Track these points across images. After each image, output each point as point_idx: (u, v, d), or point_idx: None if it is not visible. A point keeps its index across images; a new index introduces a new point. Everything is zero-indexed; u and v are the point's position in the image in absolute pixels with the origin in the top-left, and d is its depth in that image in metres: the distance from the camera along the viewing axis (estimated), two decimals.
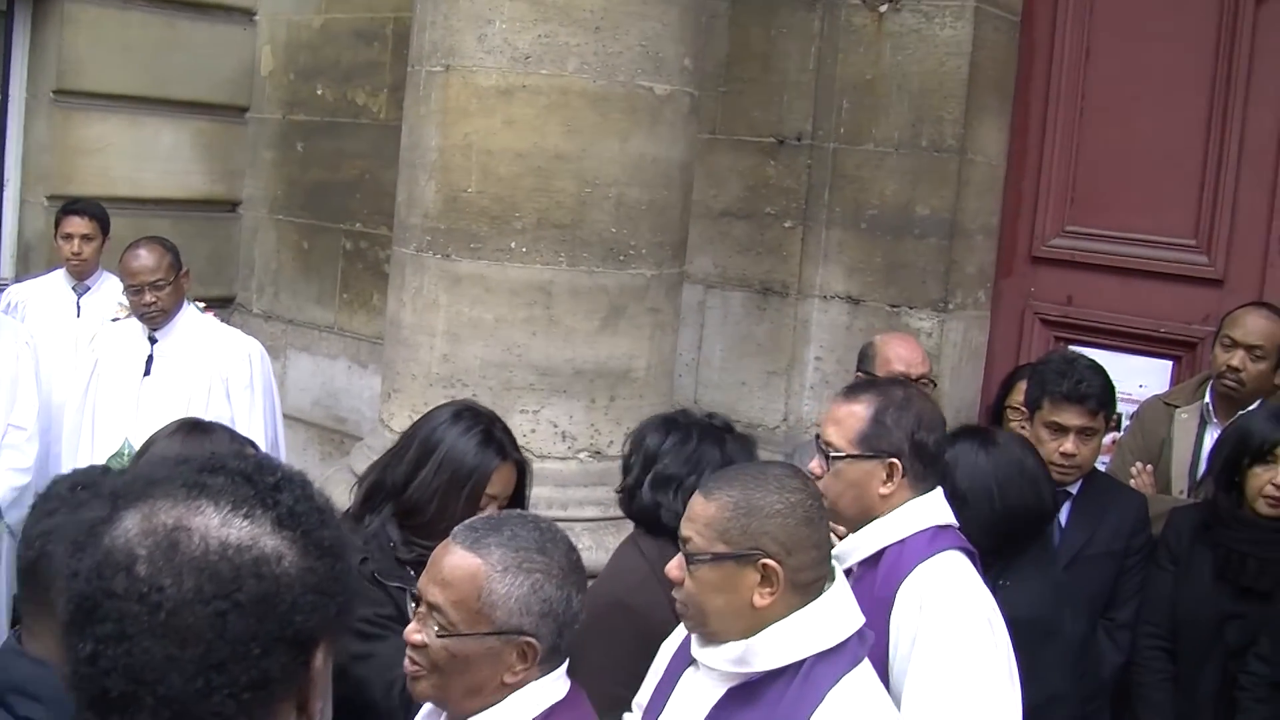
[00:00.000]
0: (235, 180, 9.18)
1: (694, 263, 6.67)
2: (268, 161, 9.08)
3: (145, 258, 6.13)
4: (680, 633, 3.23)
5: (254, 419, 6.22)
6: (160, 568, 1.55)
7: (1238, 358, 5.36)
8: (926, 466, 3.59)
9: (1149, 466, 5.52)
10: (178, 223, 8.25)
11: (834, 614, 2.95)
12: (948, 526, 3.58)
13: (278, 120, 9.01)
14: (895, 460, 3.53)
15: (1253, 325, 5.39)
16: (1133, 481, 5.43)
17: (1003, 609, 3.89)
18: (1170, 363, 6.39)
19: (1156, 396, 5.88)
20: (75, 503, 2.71)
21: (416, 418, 5.32)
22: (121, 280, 6.25)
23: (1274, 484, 4.59)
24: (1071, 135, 6.60)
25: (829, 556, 3.03)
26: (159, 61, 8.54)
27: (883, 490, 3.54)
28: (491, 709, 2.65)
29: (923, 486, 3.59)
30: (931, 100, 6.52)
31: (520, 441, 5.04)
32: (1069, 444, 4.82)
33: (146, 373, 6.22)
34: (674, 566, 2.98)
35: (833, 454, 3.58)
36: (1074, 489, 4.97)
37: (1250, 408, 5.37)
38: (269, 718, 1.61)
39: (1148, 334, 6.41)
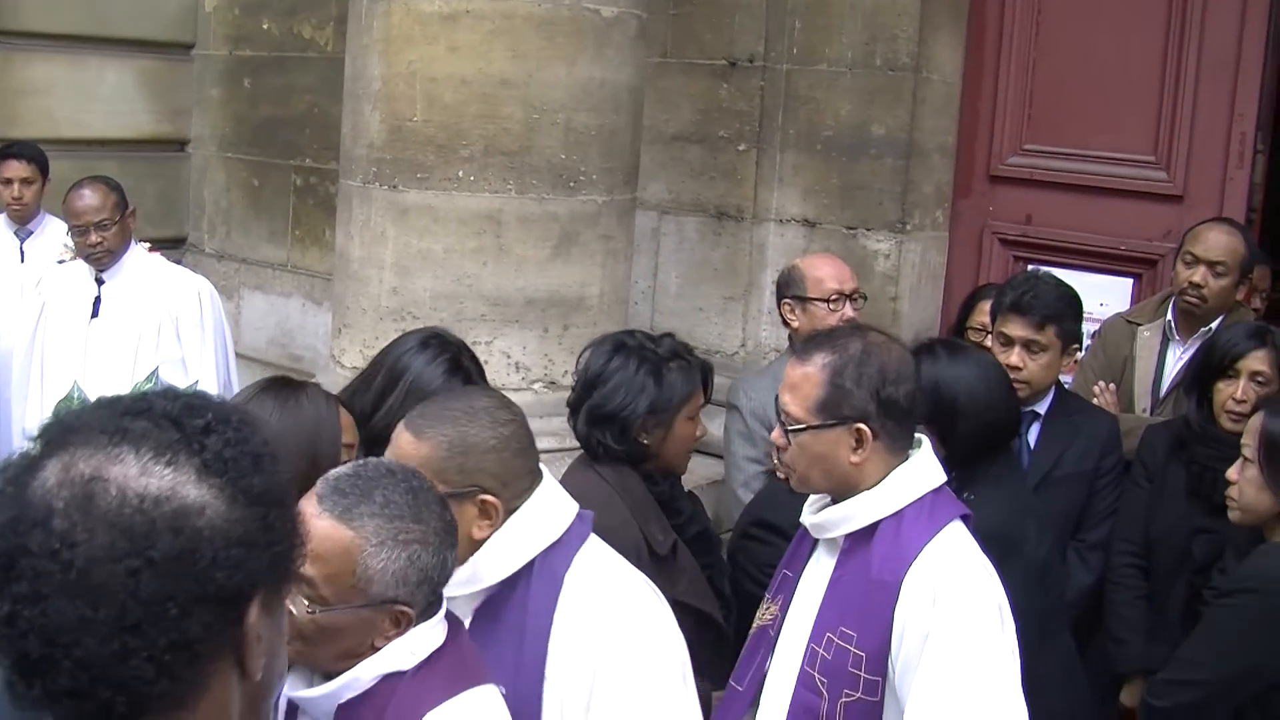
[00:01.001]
0: (183, 119, 9.04)
1: (648, 189, 6.60)
2: (215, 99, 8.95)
3: (89, 197, 6.05)
4: None
5: (205, 358, 6.16)
6: (75, 522, 1.46)
7: (1199, 274, 5.31)
8: (900, 422, 3.24)
9: (1112, 385, 5.49)
10: (125, 163, 8.13)
11: (546, 511, 3.02)
12: (942, 488, 3.29)
13: (224, 56, 8.88)
14: (862, 425, 3.19)
15: (1214, 241, 5.35)
16: (1095, 400, 5.39)
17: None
18: (1131, 280, 6.36)
19: (1118, 314, 5.85)
20: None
21: (368, 353, 5.28)
22: (66, 222, 6.16)
23: (1234, 398, 4.56)
24: (1028, 52, 6.53)
25: (537, 468, 3.05)
26: (100, 0, 8.38)
27: (854, 459, 3.20)
28: (366, 660, 2.56)
29: (900, 444, 3.26)
30: (885, 18, 6.44)
31: None
32: (1014, 356, 4.76)
33: (95, 314, 6.15)
34: None
35: (791, 427, 3.27)
36: (1042, 409, 4.94)
37: (1212, 324, 5.34)
38: (200, 678, 1.53)
39: (1108, 252, 6.37)
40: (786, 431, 3.27)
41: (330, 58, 7.96)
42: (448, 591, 2.80)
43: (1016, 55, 6.57)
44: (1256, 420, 3.85)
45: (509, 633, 2.91)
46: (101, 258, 6.08)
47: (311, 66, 8.29)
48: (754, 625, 3.49)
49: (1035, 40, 6.51)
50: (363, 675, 2.55)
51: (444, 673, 2.58)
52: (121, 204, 6.13)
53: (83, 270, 6.22)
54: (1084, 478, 4.90)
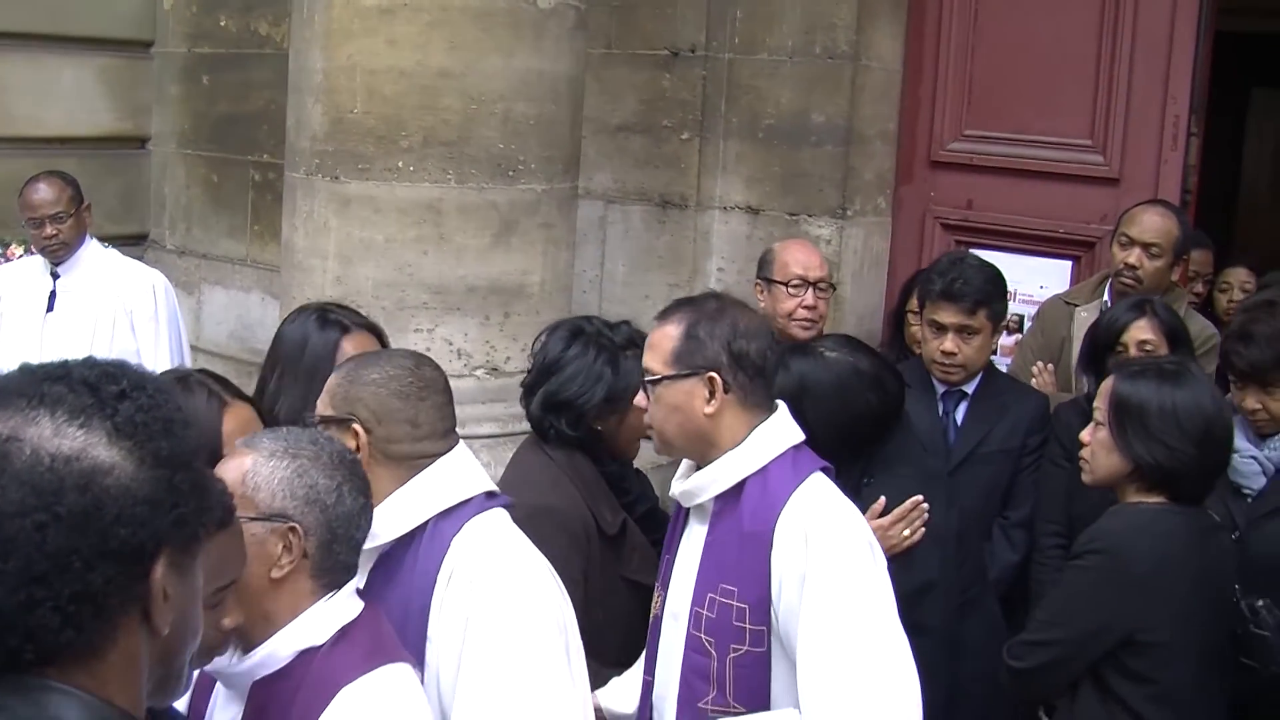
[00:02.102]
0: (142, 116, 9.06)
1: (593, 179, 6.69)
2: (174, 96, 8.97)
3: (45, 191, 6.12)
4: None
5: (159, 351, 6.22)
6: None
7: (1135, 255, 5.42)
8: (752, 378, 3.30)
9: (1050, 365, 5.58)
10: (85, 161, 8.15)
11: (450, 479, 3.12)
12: (801, 445, 3.36)
13: (182, 54, 8.90)
14: (714, 374, 3.26)
15: (1149, 223, 5.45)
16: (1034, 380, 5.49)
17: (866, 506, 3.92)
18: (1070, 263, 6.44)
19: (1057, 296, 5.95)
20: None
21: None
22: (21, 215, 6.21)
23: None
24: (967, 38, 6.62)
25: (441, 435, 3.15)
26: None
27: (707, 410, 3.27)
28: (279, 634, 2.58)
29: (754, 400, 3.32)
30: (824, 7, 6.53)
31: None
32: (948, 342, 4.87)
33: (50, 309, 6.20)
34: None
35: (648, 379, 3.37)
36: (970, 388, 5.03)
37: None
38: (107, 630, 1.61)
39: (1047, 235, 6.46)
40: (647, 390, 3.37)
41: (286, 54, 7.95)
42: None
43: (955, 42, 6.65)
44: (1107, 383, 3.93)
45: (399, 592, 2.98)
46: (57, 250, 6.15)
47: (268, 63, 8.31)
48: (650, 618, 3.55)
49: (974, 27, 6.59)
50: (279, 650, 2.57)
51: (359, 648, 2.59)
52: (77, 197, 6.20)
53: (37, 265, 6.28)
54: (1010, 455, 4.98)
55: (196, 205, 8.91)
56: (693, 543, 3.39)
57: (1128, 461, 3.80)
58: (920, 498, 4.02)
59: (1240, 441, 4.35)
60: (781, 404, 3.41)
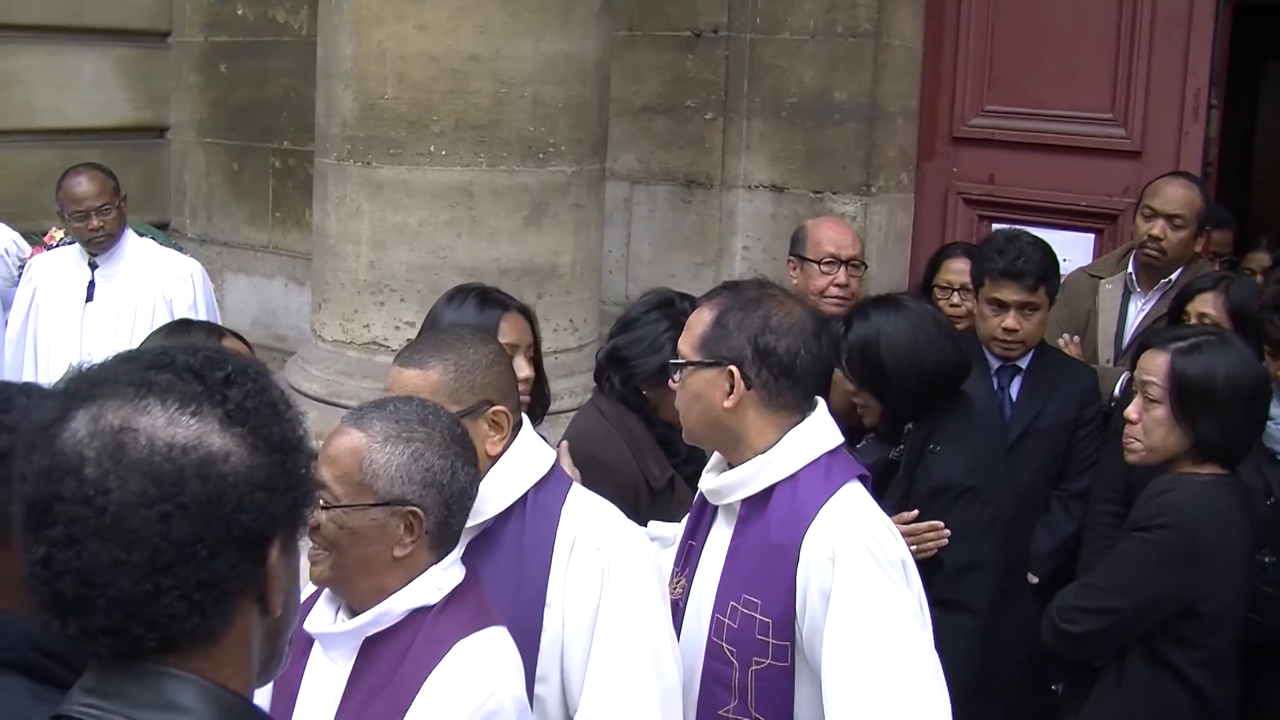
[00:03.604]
0: (161, 106, 9.11)
1: (618, 160, 6.72)
2: (193, 85, 9.02)
3: (88, 184, 6.15)
4: None
5: None
6: (107, 470, 1.54)
7: (1158, 227, 5.44)
8: (778, 376, 3.13)
9: (1076, 337, 5.61)
10: (106, 152, 8.17)
11: (535, 446, 3.16)
12: (838, 449, 3.20)
13: (200, 43, 8.95)
14: (734, 367, 3.11)
15: (1172, 194, 5.47)
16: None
17: (933, 472, 3.99)
18: (1093, 235, 6.47)
19: (1081, 269, 5.97)
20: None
21: (348, 325, 5.41)
22: (63, 208, 6.23)
23: None
24: (986, 14, 6.64)
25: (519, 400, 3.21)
26: None
27: (726, 403, 3.12)
28: (389, 599, 2.67)
29: (783, 401, 3.16)
30: None
31: None
32: (1010, 319, 4.91)
33: (89, 298, 6.24)
34: None
35: (673, 362, 3.28)
36: (1023, 363, 5.07)
37: (1172, 275, 5.47)
38: (226, 615, 1.62)
39: (1069, 208, 6.48)
40: (673, 373, 3.29)
41: (305, 41, 8.03)
42: None
43: (975, 18, 6.67)
44: (1161, 360, 3.85)
45: (505, 564, 3.00)
46: (102, 241, 6.19)
47: (286, 50, 8.37)
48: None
49: (994, 3, 6.61)
50: (393, 608, 2.67)
51: (467, 609, 2.70)
52: (117, 188, 6.25)
53: (73, 255, 6.32)
54: (1064, 429, 5.02)
55: (217, 193, 8.96)
56: (717, 544, 3.27)
57: (1189, 438, 3.79)
58: (941, 524, 4.01)
59: (1275, 408, 4.38)
60: (821, 403, 3.27)
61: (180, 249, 7.33)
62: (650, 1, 6.95)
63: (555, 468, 3.14)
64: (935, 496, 4.01)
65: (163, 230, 8.53)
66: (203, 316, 6.24)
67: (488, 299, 3.95)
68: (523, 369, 3.71)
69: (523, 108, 5.26)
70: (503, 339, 3.64)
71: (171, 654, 1.59)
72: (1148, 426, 3.86)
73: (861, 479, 3.22)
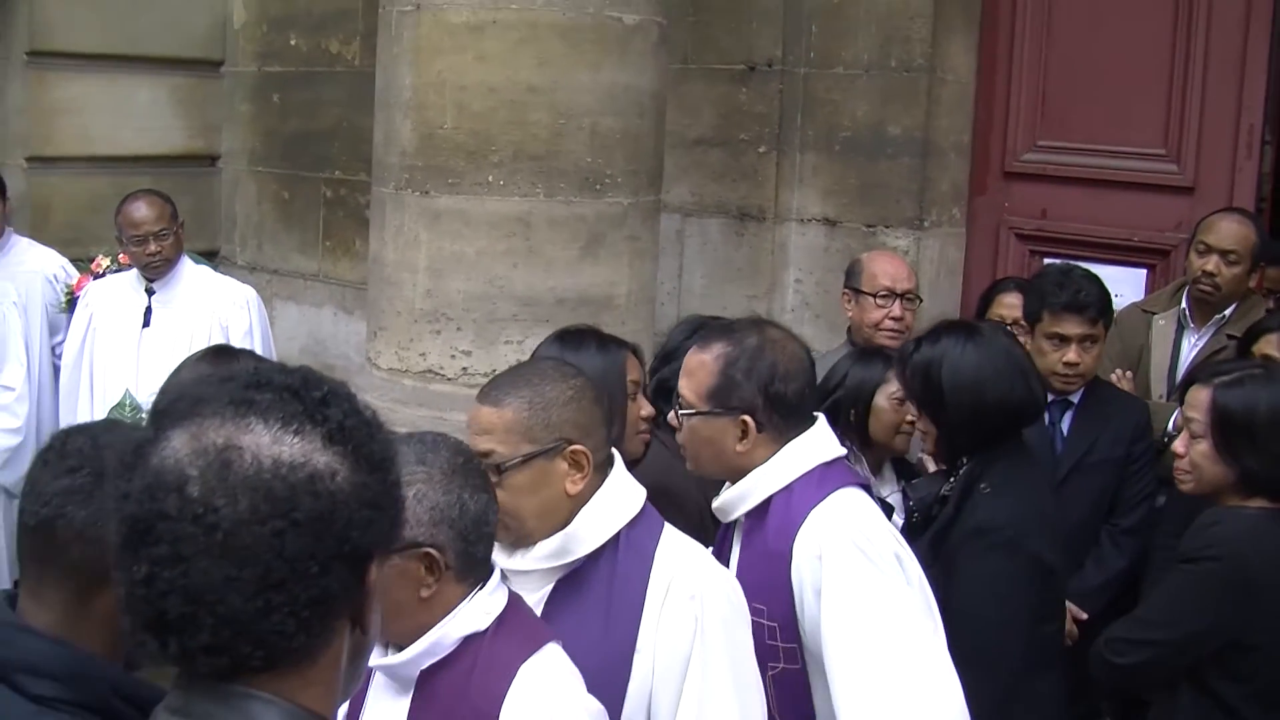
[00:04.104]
0: (213, 134, 9.18)
1: (671, 192, 6.74)
2: (245, 114, 9.09)
3: (146, 209, 6.22)
4: None
5: None
6: (213, 488, 1.54)
7: (1212, 263, 5.44)
8: (787, 418, 3.33)
9: (1129, 373, 5.61)
10: (158, 179, 8.19)
11: (628, 482, 3.08)
12: (835, 461, 3.38)
13: (253, 73, 9.02)
14: (747, 417, 3.31)
15: (1226, 230, 5.48)
16: None
17: (979, 511, 3.94)
18: (1145, 271, 6.47)
19: (1134, 304, 5.97)
20: (100, 463, 2.32)
21: (403, 354, 5.43)
22: (123, 233, 6.28)
23: None
24: (1039, 50, 6.66)
25: (611, 432, 3.11)
26: (131, 19, 8.50)
27: (739, 448, 3.32)
28: (441, 628, 2.64)
29: (788, 429, 3.34)
30: (899, 21, 6.59)
31: None
32: (1071, 353, 4.93)
33: (146, 324, 6.29)
34: None
35: (682, 410, 3.42)
36: (1075, 398, 5.08)
37: (1225, 311, 5.47)
38: (327, 634, 1.62)
39: (1121, 244, 6.49)
40: (679, 414, 3.41)
41: (357, 71, 8.10)
42: (530, 565, 2.94)
43: (1028, 54, 6.69)
44: (1204, 394, 3.89)
45: (594, 605, 2.95)
46: (160, 266, 6.24)
47: (339, 80, 8.43)
48: None
49: (1046, 38, 6.63)
50: (445, 638, 2.64)
51: (520, 630, 2.69)
52: (175, 214, 6.31)
53: (129, 281, 6.37)
54: (1116, 464, 5.03)
55: (268, 222, 9.02)
56: (733, 559, 3.41)
57: (1234, 471, 3.80)
58: None
59: None
60: (820, 419, 3.44)
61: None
62: (705, 35, 6.99)
63: (647, 507, 3.08)
64: (976, 536, 3.94)
65: (211, 258, 8.60)
66: (258, 343, 6.30)
67: (606, 339, 3.98)
68: (645, 407, 3.79)
69: (580, 139, 5.29)
70: (629, 377, 3.76)
71: (269, 673, 1.59)
72: (1194, 460, 3.89)
73: (863, 488, 3.36)
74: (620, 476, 3.08)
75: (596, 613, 2.94)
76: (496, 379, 3.16)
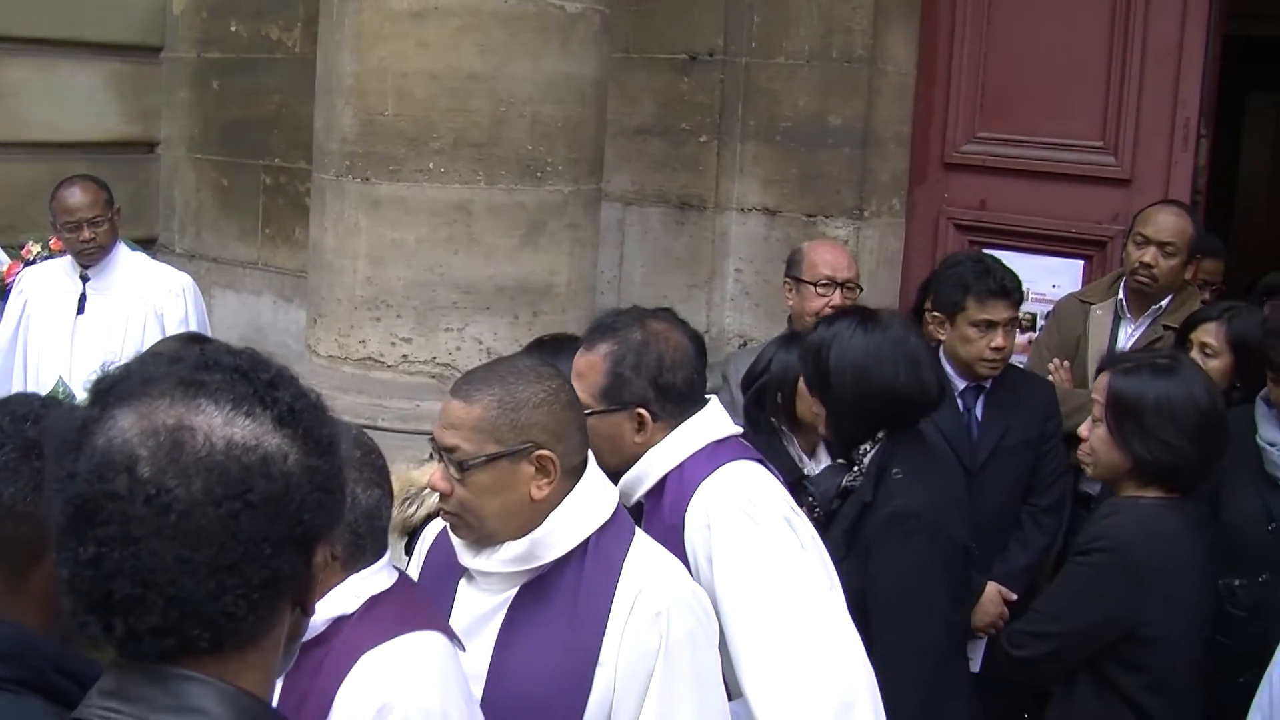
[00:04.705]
0: (152, 120, 9.09)
1: (612, 181, 6.73)
2: (184, 101, 9.01)
3: (81, 195, 6.17)
4: (423, 548, 3.24)
5: None
6: (165, 468, 1.53)
7: (1150, 254, 5.49)
8: (679, 403, 3.43)
9: (1066, 362, 5.66)
10: (95, 165, 8.12)
11: (600, 488, 3.01)
12: (728, 439, 3.47)
13: (192, 59, 8.93)
14: (642, 410, 3.39)
15: (1164, 222, 5.53)
16: (1051, 377, 5.57)
17: (894, 498, 3.92)
18: (1082, 262, 6.52)
19: (1072, 294, 6.03)
20: (23, 438, 2.27)
21: (343, 341, 5.41)
22: (56, 219, 6.24)
23: None
24: (979, 42, 6.70)
25: (586, 438, 3.05)
26: (69, 3, 8.40)
27: (636, 439, 3.40)
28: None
29: (682, 415, 3.44)
30: (840, 11, 6.61)
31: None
32: (999, 338, 4.95)
33: (80, 311, 6.24)
34: (439, 479, 2.92)
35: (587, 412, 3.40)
36: (986, 383, 5.12)
37: (1162, 302, 5.52)
38: (273, 616, 1.62)
39: (1059, 235, 6.54)
40: None
41: (298, 59, 8.05)
42: (495, 568, 2.90)
43: (969, 46, 6.73)
44: (1103, 379, 3.95)
45: (558, 613, 2.89)
46: (94, 253, 6.20)
47: (279, 68, 8.37)
48: None
49: (986, 31, 6.67)
50: (314, 618, 2.63)
51: (387, 617, 2.62)
52: (110, 201, 6.26)
53: (64, 267, 6.33)
54: (1031, 444, 5.09)
55: (206, 209, 8.95)
56: None
57: (1127, 458, 3.84)
58: None
59: (1277, 435, 4.42)
60: (712, 400, 3.52)
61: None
62: (647, 24, 6.98)
63: (619, 512, 3.03)
64: (895, 523, 3.91)
65: (150, 246, 8.53)
66: (194, 331, 6.25)
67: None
68: None
69: (521, 127, 5.29)
70: None
71: (212, 655, 1.57)
72: (1094, 445, 3.94)
73: (758, 462, 3.45)
74: (593, 481, 3.01)
75: (560, 621, 2.89)
76: (472, 373, 3.10)
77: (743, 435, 3.57)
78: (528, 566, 2.90)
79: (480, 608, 2.95)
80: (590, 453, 3.06)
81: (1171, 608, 3.75)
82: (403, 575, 2.76)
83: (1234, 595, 4.17)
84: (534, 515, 2.89)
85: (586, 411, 3.25)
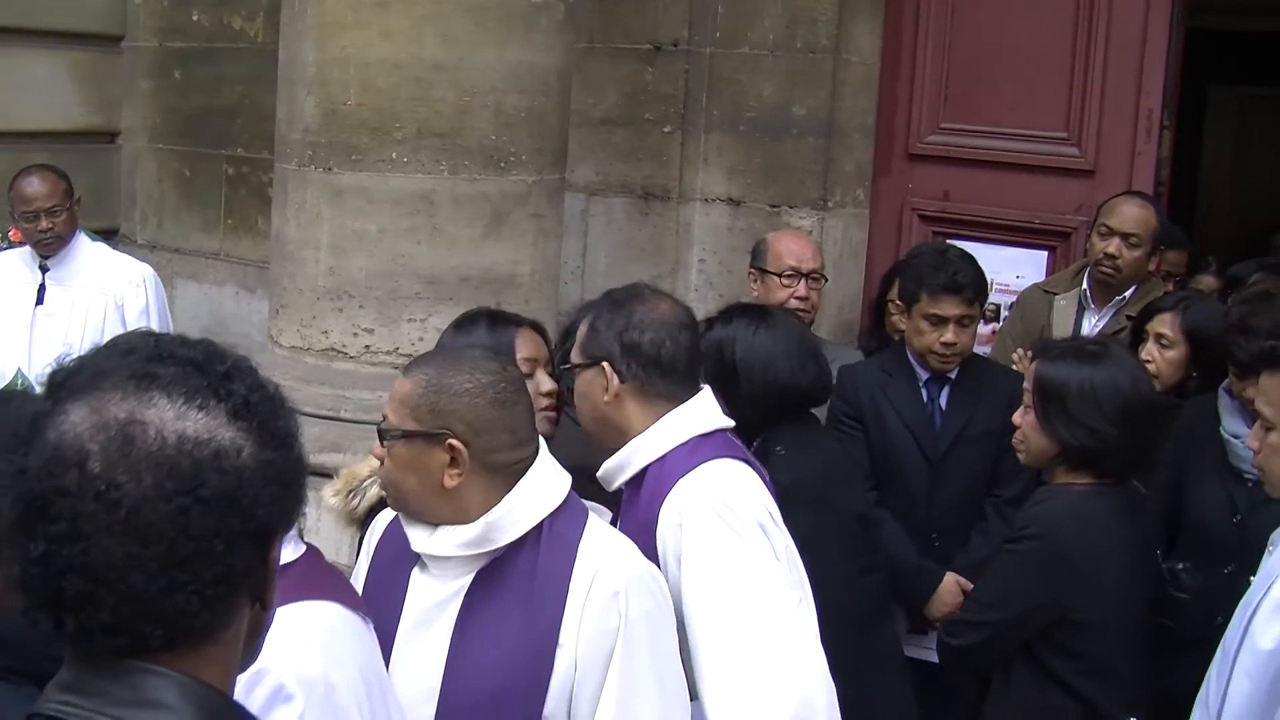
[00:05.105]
0: (113, 110, 9.02)
1: (576, 171, 6.72)
2: (145, 90, 8.94)
3: (39, 184, 6.12)
4: (372, 538, 3.24)
5: None
6: (115, 464, 1.49)
7: (1114, 245, 5.49)
8: (646, 367, 3.38)
9: (1030, 352, 5.65)
10: (56, 155, 8.06)
11: (552, 473, 3.00)
12: (714, 433, 3.43)
13: (154, 48, 8.87)
14: (606, 364, 3.37)
15: (1128, 213, 5.53)
16: (1015, 367, 5.57)
17: (780, 474, 3.83)
18: (1046, 253, 6.54)
19: (1036, 285, 6.04)
20: None
21: (305, 332, 5.39)
22: (14, 209, 6.18)
23: (1143, 359, 4.73)
24: (944, 33, 6.71)
25: (531, 439, 3.01)
26: None
27: (605, 398, 3.39)
28: None
29: (657, 390, 3.39)
30: (805, 2, 6.61)
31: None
32: (949, 334, 4.94)
33: (39, 301, 6.20)
34: (375, 445, 3.00)
35: (563, 368, 3.60)
36: (951, 373, 5.12)
37: (1125, 293, 5.53)
38: (230, 612, 1.59)
39: (1023, 226, 6.55)
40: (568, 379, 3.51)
41: (260, 48, 8.00)
42: (450, 551, 2.89)
43: (933, 37, 6.74)
44: (1032, 366, 4.02)
45: (516, 597, 2.90)
46: (51, 243, 6.15)
47: (242, 57, 8.32)
48: None
49: (951, 22, 6.68)
50: None
51: (284, 588, 2.55)
52: (70, 190, 6.21)
53: (24, 257, 6.28)
54: (995, 435, 5.04)
55: (168, 199, 8.89)
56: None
57: (1054, 443, 3.88)
58: None
59: (1240, 427, 4.43)
60: (705, 390, 3.49)
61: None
62: (610, 14, 6.97)
63: (571, 497, 3.03)
64: (782, 498, 3.77)
65: (111, 237, 8.47)
66: (154, 322, 6.23)
67: (497, 319, 3.92)
68: (545, 383, 3.73)
69: (485, 116, 5.28)
70: (520, 354, 3.67)
71: (168, 652, 1.55)
72: (1025, 431, 3.98)
73: (742, 460, 3.41)
74: (545, 465, 3.00)
75: (518, 605, 2.89)
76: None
77: (732, 430, 3.54)
78: (482, 550, 2.89)
79: (435, 595, 2.94)
80: (542, 443, 3.06)
81: (1102, 592, 3.78)
82: (311, 549, 2.71)
83: (1177, 579, 4.19)
84: (456, 505, 2.89)
85: (568, 366, 3.44)
